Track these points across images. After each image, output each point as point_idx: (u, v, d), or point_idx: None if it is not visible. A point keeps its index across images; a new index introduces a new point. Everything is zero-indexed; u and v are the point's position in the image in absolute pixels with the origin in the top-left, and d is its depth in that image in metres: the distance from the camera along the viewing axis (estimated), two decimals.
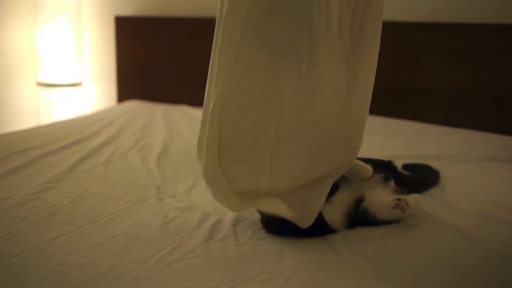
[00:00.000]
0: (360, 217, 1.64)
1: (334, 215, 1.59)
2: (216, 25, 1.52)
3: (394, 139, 2.53)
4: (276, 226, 1.57)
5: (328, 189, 1.55)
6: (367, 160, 1.75)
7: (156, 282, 1.31)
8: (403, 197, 1.59)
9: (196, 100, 3.17)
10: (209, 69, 1.55)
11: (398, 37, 2.88)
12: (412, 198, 1.62)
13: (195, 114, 3.07)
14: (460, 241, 1.55)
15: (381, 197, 1.68)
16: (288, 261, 1.43)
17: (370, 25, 1.53)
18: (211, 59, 1.54)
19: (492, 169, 2.15)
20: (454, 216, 1.70)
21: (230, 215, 1.69)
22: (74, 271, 1.35)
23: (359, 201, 1.65)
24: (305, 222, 1.52)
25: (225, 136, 1.49)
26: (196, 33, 3.30)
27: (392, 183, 1.77)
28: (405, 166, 2.09)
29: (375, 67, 1.60)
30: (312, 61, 1.42)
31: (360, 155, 1.64)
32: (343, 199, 1.62)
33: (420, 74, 2.86)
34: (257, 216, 1.65)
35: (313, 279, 1.34)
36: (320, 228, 1.55)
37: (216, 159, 1.49)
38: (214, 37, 1.52)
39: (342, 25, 1.45)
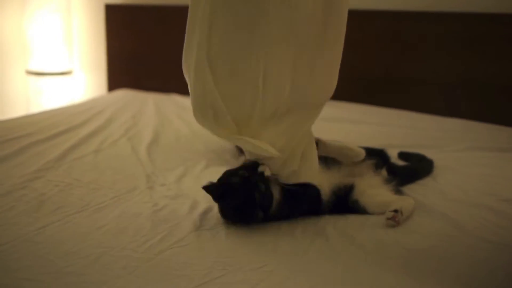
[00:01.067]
0: (351, 206, 1.65)
1: None
2: None
3: (387, 129, 2.53)
4: (230, 215, 1.56)
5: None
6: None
7: (146, 270, 1.31)
8: (398, 205, 1.59)
9: (186, 89, 3.15)
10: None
11: (393, 26, 2.87)
12: (407, 206, 1.61)
13: (185, 103, 3.03)
14: (450, 230, 1.55)
15: (373, 189, 1.69)
16: (279, 249, 1.42)
17: None
18: None
19: (483, 159, 2.15)
20: (445, 205, 1.70)
21: (211, 205, 1.68)
22: (63, 260, 1.34)
23: (349, 188, 1.65)
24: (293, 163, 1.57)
25: (215, 61, 1.52)
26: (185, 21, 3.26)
27: (384, 172, 1.77)
28: (401, 155, 2.10)
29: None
30: None
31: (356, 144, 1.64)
32: (330, 180, 1.62)
33: (414, 64, 2.85)
34: None
35: (303, 267, 1.33)
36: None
37: (212, 82, 1.51)
38: None
39: None
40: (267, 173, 1.54)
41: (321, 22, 1.52)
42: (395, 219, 1.54)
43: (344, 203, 1.66)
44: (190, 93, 1.59)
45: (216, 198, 1.55)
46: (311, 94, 1.58)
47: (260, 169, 1.54)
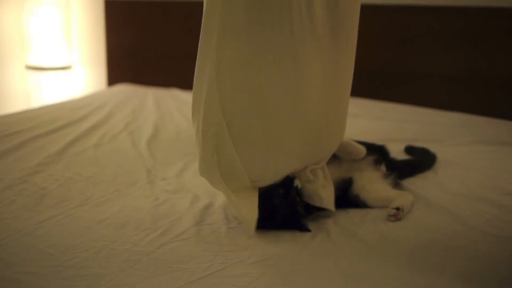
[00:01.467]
0: (352, 201, 1.66)
1: None
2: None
3: (386, 122, 2.53)
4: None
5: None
6: (360, 143, 1.75)
7: (147, 264, 1.30)
8: (400, 203, 1.59)
9: (186, 83, 3.14)
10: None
11: (391, 20, 2.86)
12: (407, 203, 1.61)
13: (185, 97, 3.05)
14: (452, 223, 1.54)
15: (373, 184, 1.69)
16: (280, 244, 1.42)
17: (346, 19, 1.52)
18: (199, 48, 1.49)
19: (484, 152, 2.14)
20: (446, 199, 1.70)
21: (221, 198, 1.67)
22: (64, 254, 1.34)
23: (348, 182, 1.66)
24: None
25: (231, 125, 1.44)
26: (186, 16, 3.26)
27: (383, 167, 1.77)
28: (407, 149, 2.13)
29: (354, 57, 1.60)
30: (294, 57, 1.41)
31: (353, 138, 1.63)
32: (332, 176, 1.62)
33: (413, 58, 2.85)
34: None
35: (304, 261, 1.33)
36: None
37: (232, 147, 1.44)
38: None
39: (319, 21, 1.44)
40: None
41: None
42: (397, 216, 1.55)
43: (345, 198, 1.66)
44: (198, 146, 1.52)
45: (263, 225, 1.49)
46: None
47: (296, 183, 1.55)
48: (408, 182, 1.81)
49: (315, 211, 1.56)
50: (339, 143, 1.64)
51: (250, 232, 1.44)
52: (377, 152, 1.83)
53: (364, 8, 2.67)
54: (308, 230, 1.48)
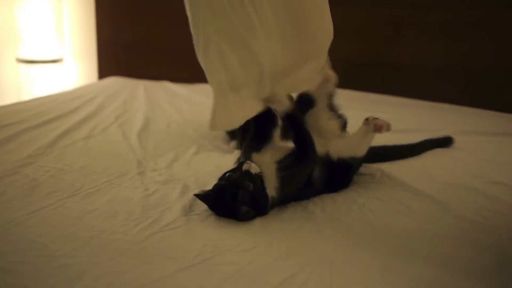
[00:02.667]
0: (340, 167, 1.68)
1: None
2: None
3: (375, 114, 2.54)
4: (222, 214, 1.52)
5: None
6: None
7: (136, 253, 1.32)
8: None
9: (177, 76, 3.16)
10: None
11: (378, 12, 2.88)
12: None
13: (176, 90, 3.06)
14: (438, 212, 1.57)
15: (344, 138, 1.77)
16: (269, 232, 1.44)
17: None
18: None
19: (471, 143, 2.17)
20: (432, 187, 1.72)
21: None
22: (55, 243, 1.35)
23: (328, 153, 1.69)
24: None
25: None
26: (178, 9, 3.27)
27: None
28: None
29: None
30: None
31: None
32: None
33: (402, 49, 2.87)
34: None
35: (292, 248, 1.35)
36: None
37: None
38: None
39: None
40: (254, 170, 1.52)
41: None
42: (372, 124, 1.65)
43: (334, 170, 1.68)
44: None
45: (210, 206, 1.53)
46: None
47: (244, 167, 1.52)
48: (396, 172, 1.83)
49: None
50: (331, 35, 1.69)
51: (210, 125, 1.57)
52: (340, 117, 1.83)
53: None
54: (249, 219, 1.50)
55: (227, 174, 1.54)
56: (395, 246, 1.38)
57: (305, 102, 1.78)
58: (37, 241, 1.36)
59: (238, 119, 1.62)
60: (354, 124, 1.77)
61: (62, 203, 1.60)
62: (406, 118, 2.48)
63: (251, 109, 1.61)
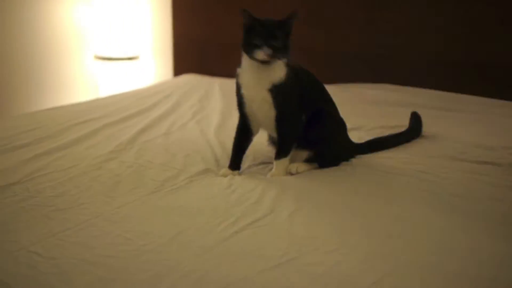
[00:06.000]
0: None
1: None
2: None
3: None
4: None
5: None
6: None
7: (222, 250, 1.32)
8: None
9: None
10: None
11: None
12: None
13: None
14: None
15: None
16: (354, 233, 1.42)
17: None
18: None
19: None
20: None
21: (292, 186, 1.69)
22: (141, 239, 1.37)
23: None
24: None
25: None
26: (253, 6, 3.28)
27: None
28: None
29: None
30: None
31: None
32: None
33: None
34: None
35: (379, 250, 1.32)
36: None
37: None
38: None
39: None
40: None
41: None
42: None
43: None
44: None
45: None
46: None
47: None
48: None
49: None
50: None
51: None
52: None
53: None
54: None
55: None
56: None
57: None
58: (124, 236, 1.39)
59: None
60: None
61: (146, 199, 1.62)
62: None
63: None
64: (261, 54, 1.69)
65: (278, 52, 1.69)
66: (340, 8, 3.09)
